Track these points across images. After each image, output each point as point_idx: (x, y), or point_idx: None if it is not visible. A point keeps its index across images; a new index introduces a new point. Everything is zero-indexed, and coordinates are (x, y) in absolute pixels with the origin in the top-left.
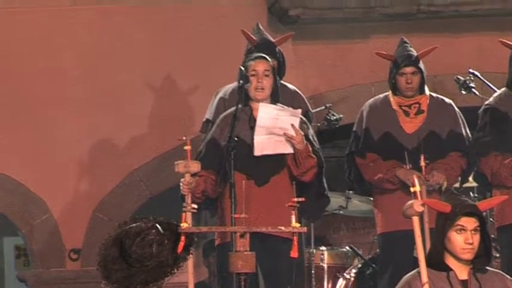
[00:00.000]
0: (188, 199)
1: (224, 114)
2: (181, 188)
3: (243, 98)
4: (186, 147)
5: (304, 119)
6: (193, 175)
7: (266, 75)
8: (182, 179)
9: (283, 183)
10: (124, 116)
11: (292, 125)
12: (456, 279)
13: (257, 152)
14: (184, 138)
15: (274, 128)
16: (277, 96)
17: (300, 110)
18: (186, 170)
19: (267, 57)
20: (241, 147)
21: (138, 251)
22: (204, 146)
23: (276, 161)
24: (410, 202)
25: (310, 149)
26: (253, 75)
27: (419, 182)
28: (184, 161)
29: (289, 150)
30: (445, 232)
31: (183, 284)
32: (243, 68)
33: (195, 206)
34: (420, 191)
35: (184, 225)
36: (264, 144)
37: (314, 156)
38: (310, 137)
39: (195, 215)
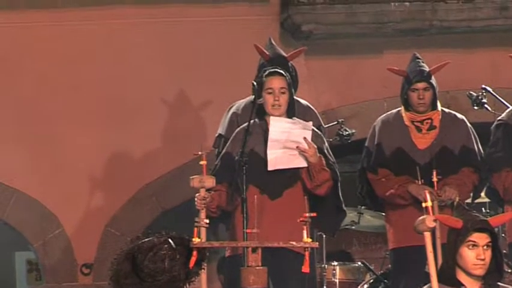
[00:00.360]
0: (202, 214)
1: (239, 128)
2: (196, 202)
3: (255, 112)
4: (201, 162)
5: (318, 132)
6: (208, 190)
7: (282, 93)
8: (197, 194)
9: (296, 196)
10: (136, 131)
11: (305, 138)
12: None
13: (270, 167)
14: (200, 153)
15: (287, 141)
16: (293, 110)
17: (311, 123)
18: (200, 185)
19: (283, 72)
20: (255, 160)
21: (150, 265)
22: (219, 160)
23: (289, 175)
24: (422, 217)
25: (324, 162)
26: (269, 92)
27: (431, 198)
28: (199, 176)
29: (303, 164)
30: (457, 248)
31: None
32: (255, 84)
33: (207, 221)
34: (432, 207)
35: (196, 240)
36: (277, 159)
37: (328, 169)
38: (325, 150)
39: (212, 229)
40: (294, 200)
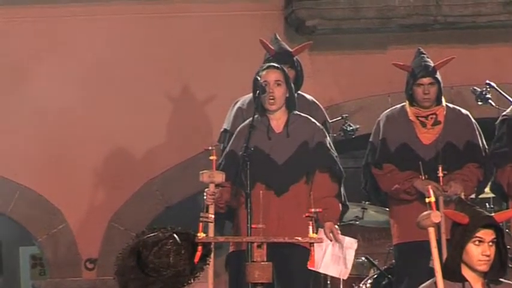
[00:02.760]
0: (211, 209)
1: (242, 125)
2: (205, 198)
3: (259, 108)
4: (211, 157)
5: (321, 126)
6: (217, 185)
7: (278, 85)
8: (206, 189)
9: (301, 192)
10: (141, 126)
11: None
12: None
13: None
14: (210, 148)
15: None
16: (294, 105)
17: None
18: (210, 180)
19: (279, 66)
20: (259, 157)
21: (155, 260)
22: (224, 158)
23: (295, 170)
24: (426, 213)
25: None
26: (265, 85)
27: (437, 193)
28: (208, 171)
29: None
30: (464, 244)
31: None
32: (259, 78)
33: (212, 216)
34: (438, 202)
35: (201, 235)
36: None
37: (338, 199)
38: (328, 145)
39: (218, 227)
40: (300, 196)
